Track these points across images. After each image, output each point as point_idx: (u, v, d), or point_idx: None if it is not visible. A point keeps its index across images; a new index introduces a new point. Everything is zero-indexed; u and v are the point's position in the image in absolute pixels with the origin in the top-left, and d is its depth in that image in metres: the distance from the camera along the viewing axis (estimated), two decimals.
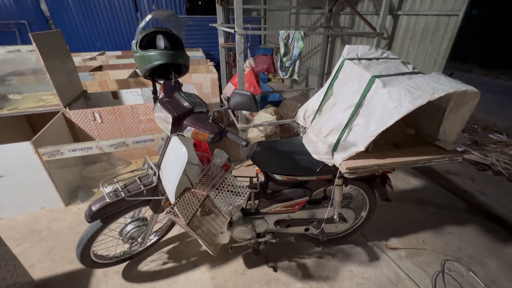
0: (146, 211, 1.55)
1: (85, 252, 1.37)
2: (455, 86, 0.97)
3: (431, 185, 2.53)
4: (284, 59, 2.49)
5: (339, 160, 1.20)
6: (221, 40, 3.47)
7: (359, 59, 1.39)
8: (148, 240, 1.70)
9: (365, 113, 1.14)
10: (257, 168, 1.57)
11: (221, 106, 4.12)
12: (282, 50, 2.44)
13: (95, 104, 3.05)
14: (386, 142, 1.24)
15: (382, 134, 1.09)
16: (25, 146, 1.93)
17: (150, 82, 3.70)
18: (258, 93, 3.77)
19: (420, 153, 1.20)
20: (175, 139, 1.23)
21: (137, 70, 3.96)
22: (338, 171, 1.23)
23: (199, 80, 3.73)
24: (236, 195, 1.30)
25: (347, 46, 1.49)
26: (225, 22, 3.46)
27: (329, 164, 1.32)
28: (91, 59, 4.99)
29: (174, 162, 1.22)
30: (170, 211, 1.22)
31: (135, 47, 1.28)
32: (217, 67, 4.15)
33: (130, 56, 5.40)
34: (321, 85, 4.22)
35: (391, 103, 1.01)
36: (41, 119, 2.49)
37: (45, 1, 6.06)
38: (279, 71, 2.62)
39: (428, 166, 2.07)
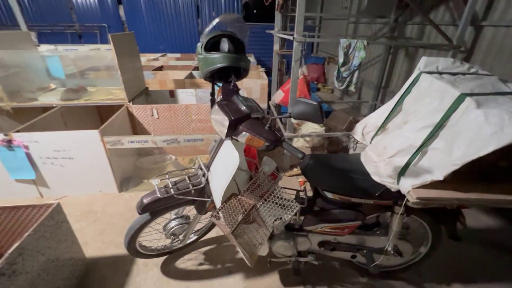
0: (190, 210, 1.57)
1: (132, 241, 1.43)
2: None
3: (509, 227, 2.11)
4: (342, 69, 2.36)
5: (407, 187, 1.04)
6: (276, 47, 3.47)
7: (440, 73, 1.21)
8: (188, 238, 1.71)
9: (448, 136, 0.97)
10: (300, 179, 1.48)
11: (268, 113, 4.07)
12: (341, 60, 2.31)
13: (154, 101, 3.29)
14: (469, 172, 1.04)
15: (468, 162, 0.91)
16: (94, 134, 2.14)
17: (203, 84, 3.89)
18: None
19: None
20: (228, 143, 1.21)
21: (193, 72, 4.20)
22: (405, 199, 1.07)
23: (250, 85, 3.77)
24: (283, 208, 1.23)
25: (424, 58, 1.32)
26: (282, 29, 3.45)
27: (392, 189, 1.17)
28: (154, 59, 5.45)
29: (225, 166, 1.21)
30: (215, 215, 1.20)
31: (200, 49, 1.30)
32: (268, 73, 4.17)
33: (188, 59, 5.77)
34: (377, 99, 3.93)
35: (488, 128, 0.83)
36: (108, 110, 2.76)
37: (123, 7, 6.86)
38: (335, 81, 2.49)
39: None
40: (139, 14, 6.94)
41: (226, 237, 1.94)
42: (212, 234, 1.93)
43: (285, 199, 1.20)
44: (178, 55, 6.44)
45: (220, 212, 1.21)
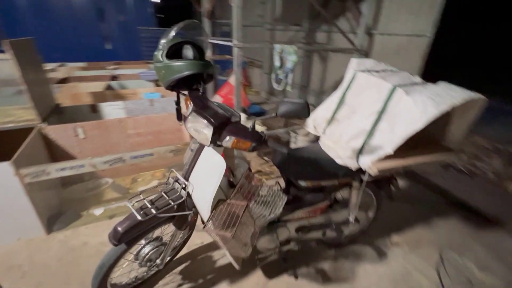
0: (163, 231, 1.45)
1: (103, 282, 1.22)
2: (468, 94, 1.15)
3: (413, 184, 2.81)
4: (279, 72, 2.60)
5: (367, 162, 1.29)
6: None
7: (369, 71, 1.53)
8: (166, 260, 1.57)
9: (389, 119, 1.26)
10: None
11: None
12: (277, 63, 2.55)
13: (70, 119, 2.77)
14: (406, 144, 1.37)
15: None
16: (3, 167, 1.67)
17: (129, 95, 3.54)
18: (247, 104, 3.83)
19: (434, 153, 1.36)
20: (209, 149, 1.20)
21: (112, 83, 3.74)
22: (366, 173, 1.32)
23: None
24: (273, 201, 1.31)
25: (354, 60, 1.64)
26: (211, 35, 3.49)
27: (353, 168, 1.41)
28: (51, 70, 4.55)
29: (209, 172, 1.19)
30: (207, 225, 1.17)
31: (160, 57, 1.23)
32: None
33: (97, 68, 5.10)
34: (300, 97, 4.44)
35: (417, 110, 1.14)
36: (8, 136, 2.18)
37: None
38: (273, 83, 2.72)
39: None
40: (19, 17, 5.62)
41: (199, 251, 1.87)
42: (183, 251, 1.81)
43: (273, 193, 1.28)
44: (83, 64, 5.55)
45: (211, 222, 1.19)
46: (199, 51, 1.30)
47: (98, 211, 2.16)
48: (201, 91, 1.29)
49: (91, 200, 2.35)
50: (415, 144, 1.38)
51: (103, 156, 1.94)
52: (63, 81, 4.02)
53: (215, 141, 1.13)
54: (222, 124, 1.12)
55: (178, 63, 1.20)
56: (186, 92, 1.33)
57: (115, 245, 1.14)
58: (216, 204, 1.23)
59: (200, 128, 1.14)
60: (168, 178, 1.35)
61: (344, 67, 3.79)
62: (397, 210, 2.36)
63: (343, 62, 3.60)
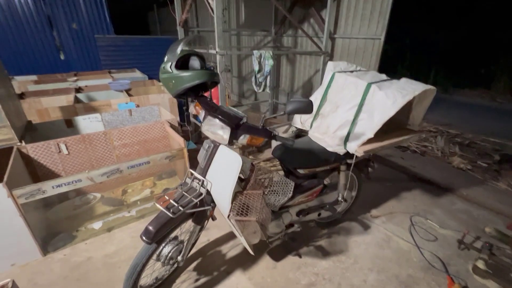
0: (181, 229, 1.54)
1: (136, 281, 1.29)
2: (424, 86, 1.49)
3: (381, 166, 3.24)
4: (258, 75, 2.81)
5: (354, 147, 1.56)
6: None
7: (344, 71, 1.82)
8: (186, 256, 1.65)
9: (368, 110, 1.54)
10: None
11: (182, 125, 4.11)
12: (256, 68, 2.76)
13: (45, 136, 2.63)
14: (380, 130, 1.67)
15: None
16: None
17: (103, 107, 3.47)
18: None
19: (402, 135, 1.69)
20: (224, 147, 1.35)
21: (78, 95, 3.60)
22: (354, 156, 1.59)
23: (157, 101, 3.65)
24: (282, 188, 1.50)
25: (330, 62, 1.92)
26: None
27: (341, 153, 1.67)
28: None
29: (227, 168, 1.33)
30: (231, 215, 1.32)
31: (169, 68, 1.35)
32: None
33: (52, 80, 4.81)
34: (274, 98, 4.72)
35: (389, 101, 1.44)
36: None
37: None
38: (254, 86, 2.92)
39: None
40: None
41: (207, 248, 1.98)
42: (191, 251, 1.90)
43: (281, 180, 1.47)
44: (33, 77, 5.14)
45: (233, 211, 1.34)
46: (203, 61, 1.44)
47: (97, 225, 2.13)
48: (209, 97, 1.43)
49: (82, 216, 2.28)
50: (387, 129, 1.70)
51: (99, 168, 1.93)
52: (20, 96, 3.72)
53: (232, 140, 1.29)
54: (236, 125, 1.29)
55: (187, 74, 1.33)
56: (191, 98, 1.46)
57: (149, 244, 1.23)
58: (235, 196, 1.39)
59: (217, 130, 1.29)
60: (185, 178, 1.46)
61: (309, 68, 4.16)
62: (372, 189, 2.73)
63: (309, 63, 3.99)
